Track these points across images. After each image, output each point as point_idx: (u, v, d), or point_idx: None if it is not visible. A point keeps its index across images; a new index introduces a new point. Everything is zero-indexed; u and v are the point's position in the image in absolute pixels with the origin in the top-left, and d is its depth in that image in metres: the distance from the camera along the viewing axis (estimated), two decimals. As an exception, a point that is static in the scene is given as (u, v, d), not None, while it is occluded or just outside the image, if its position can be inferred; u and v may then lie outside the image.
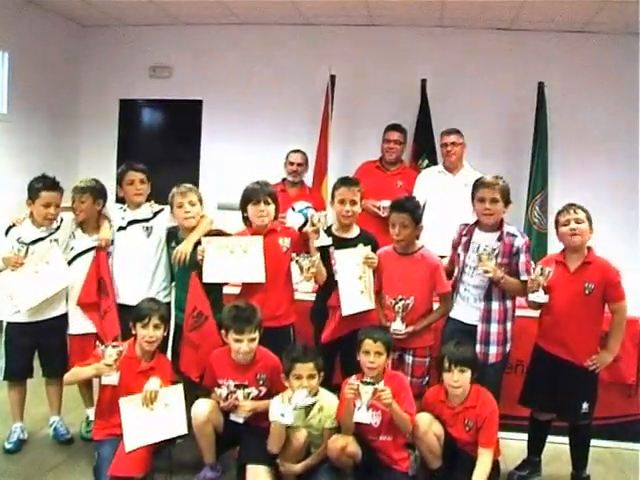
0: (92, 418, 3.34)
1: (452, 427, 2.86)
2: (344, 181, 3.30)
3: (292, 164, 4.74)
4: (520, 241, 3.01)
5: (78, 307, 3.30)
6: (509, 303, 3.07)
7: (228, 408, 2.86)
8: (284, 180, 4.77)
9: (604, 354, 2.97)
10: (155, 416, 2.84)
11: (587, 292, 2.90)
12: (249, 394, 2.85)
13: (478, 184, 3.09)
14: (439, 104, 5.44)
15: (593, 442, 3.10)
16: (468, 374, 2.80)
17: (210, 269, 3.09)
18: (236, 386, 2.85)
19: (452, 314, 3.16)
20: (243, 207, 3.24)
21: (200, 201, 3.32)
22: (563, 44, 5.43)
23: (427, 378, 3.15)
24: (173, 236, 3.36)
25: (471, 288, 3.06)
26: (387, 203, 4.03)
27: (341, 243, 3.21)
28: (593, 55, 5.40)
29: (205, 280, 3.10)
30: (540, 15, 5.07)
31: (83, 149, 6.21)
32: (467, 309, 3.09)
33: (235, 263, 3.10)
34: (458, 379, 2.79)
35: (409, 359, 3.11)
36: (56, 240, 3.27)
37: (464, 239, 3.12)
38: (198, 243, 3.18)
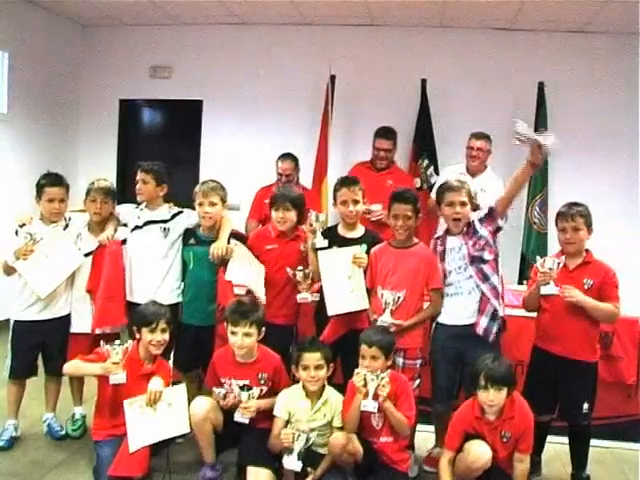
0: (78, 416, 3.41)
1: (489, 440, 2.75)
2: (344, 182, 3.32)
3: (281, 175, 4.62)
4: (474, 215, 3.08)
5: (81, 305, 3.31)
6: (499, 271, 3.09)
7: (229, 407, 2.88)
8: (278, 181, 4.75)
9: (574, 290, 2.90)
10: (158, 416, 2.85)
11: (586, 288, 2.92)
12: (252, 395, 2.85)
13: (445, 188, 3.11)
14: (439, 104, 5.45)
15: (593, 442, 3.10)
16: (504, 392, 2.69)
17: (232, 270, 3.19)
18: (240, 387, 2.86)
19: (442, 320, 3.11)
20: (270, 209, 3.35)
21: (223, 201, 3.35)
22: (563, 44, 5.43)
23: (418, 381, 3.10)
24: (192, 234, 3.39)
25: (464, 282, 3.05)
26: (377, 207, 4.05)
27: (346, 243, 3.22)
28: (593, 55, 5.40)
29: (226, 278, 3.19)
30: (540, 15, 5.07)
31: (83, 149, 6.21)
32: (462, 304, 3.05)
33: (251, 275, 3.20)
34: (494, 398, 2.68)
35: (399, 361, 3.05)
36: (65, 231, 3.28)
37: (439, 249, 3.14)
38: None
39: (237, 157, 5.80)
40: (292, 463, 2.69)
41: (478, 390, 2.72)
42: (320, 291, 3.30)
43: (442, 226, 3.24)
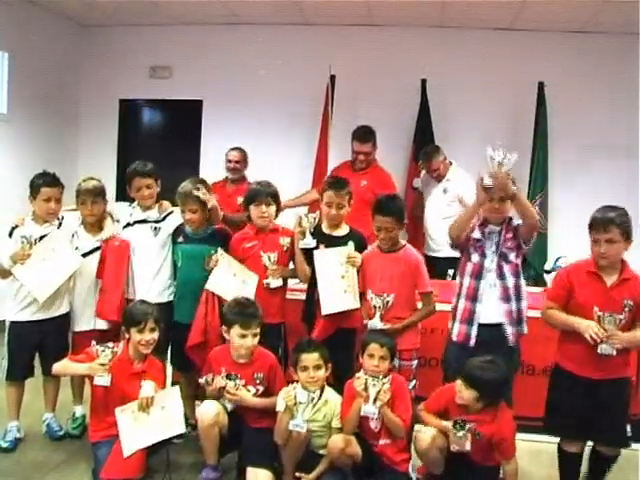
0: (78, 415, 3.41)
1: None
2: (332, 184, 3.31)
3: (230, 161, 4.71)
4: (517, 221, 2.97)
5: (85, 303, 3.31)
6: (521, 280, 2.99)
7: (215, 393, 2.89)
8: (226, 178, 4.75)
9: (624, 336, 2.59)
10: (152, 419, 2.85)
11: (626, 310, 2.59)
12: (237, 385, 2.87)
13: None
14: (439, 104, 5.45)
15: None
16: (473, 394, 2.70)
17: (214, 280, 3.18)
18: (227, 376, 2.87)
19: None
20: (246, 206, 3.33)
21: (203, 203, 3.28)
22: (563, 44, 5.44)
23: (414, 382, 3.09)
24: (180, 232, 3.38)
25: (488, 273, 2.95)
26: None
27: (330, 241, 3.24)
28: (593, 55, 5.40)
29: (207, 287, 3.18)
30: (540, 15, 5.08)
31: (83, 149, 6.22)
32: (491, 303, 2.95)
33: (233, 286, 3.19)
34: (462, 393, 2.72)
35: (395, 362, 3.03)
36: (61, 233, 3.28)
37: (478, 228, 2.99)
38: (216, 244, 3.27)
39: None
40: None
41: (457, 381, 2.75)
42: (310, 289, 3.31)
43: None
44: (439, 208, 4.66)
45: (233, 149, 4.78)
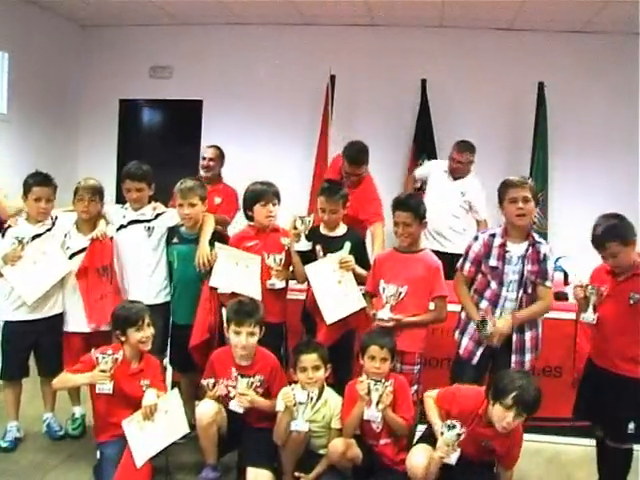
0: (78, 415, 3.40)
1: (467, 441, 2.62)
2: (324, 190, 3.28)
3: (204, 159, 4.49)
4: (546, 247, 2.96)
5: (76, 304, 3.28)
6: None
7: (217, 397, 2.88)
8: (199, 177, 4.47)
9: None
10: (158, 426, 2.85)
11: (632, 302, 2.69)
12: (252, 383, 2.85)
13: (507, 184, 2.94)
14: (439, 104, 5.45)
15: (593, 442, 3.07)
16: (522, 419, 2.56)
17: (217, 275, 3.17)
18: (241, 375, 2.87)
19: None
20: (249, 206, 3.29)
21: (203, 199, 3.32)
22: (563, 44, 5.43)
23: (416, 387, 3.05)
24: (175, 232, 3.37)
25: (508, 302, 2.94)
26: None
27: (328, 242, 3.24)
28: (593, 55, 5.41)
29: (211, 284, 3.17)
30: (540, 15, 5.08)
31: (83, 149, 6.22)
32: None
33: (238, 275, 3.17)
34: (514, 422, 2.53)
35: (397, 366, 2.99)
36: (52, 236, 3.28)
37: (497, 251, 2.94)
38: (210, 244, 3.24)
39: (236, 157, 5.78)
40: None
41: (499, 404, 2.53)
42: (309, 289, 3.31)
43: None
44: (451, 206, 4.54)
45: (209, 146, 4.58)
